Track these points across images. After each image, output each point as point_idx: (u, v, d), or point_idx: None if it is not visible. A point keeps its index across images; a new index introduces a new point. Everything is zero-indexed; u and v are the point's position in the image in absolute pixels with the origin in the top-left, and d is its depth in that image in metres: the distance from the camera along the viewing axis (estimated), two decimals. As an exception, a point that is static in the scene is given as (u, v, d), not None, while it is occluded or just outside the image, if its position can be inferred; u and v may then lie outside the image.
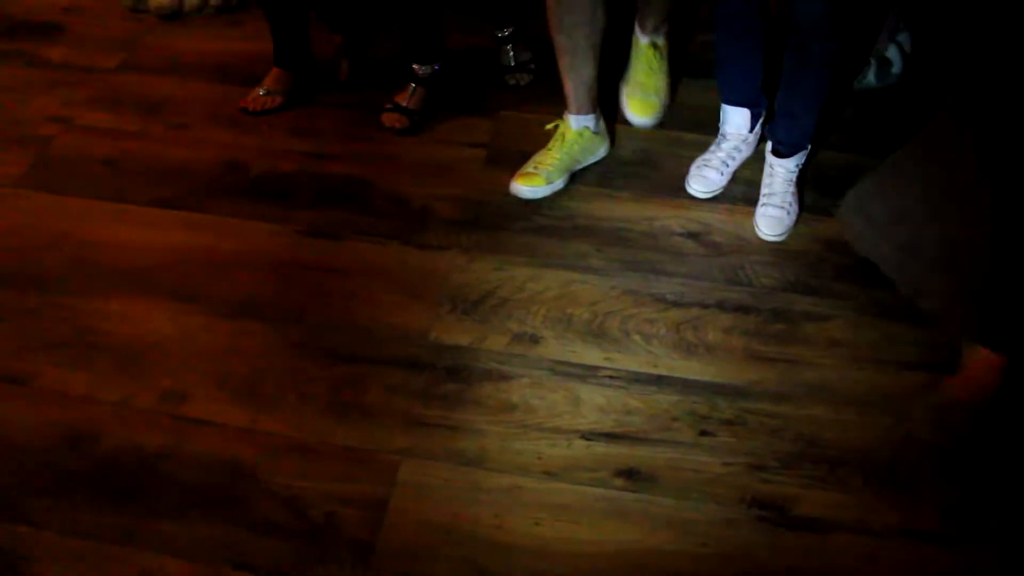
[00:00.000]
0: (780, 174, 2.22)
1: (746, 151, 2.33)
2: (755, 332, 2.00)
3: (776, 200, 2.20)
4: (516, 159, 2.30)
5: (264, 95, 2.49)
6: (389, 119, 2.43)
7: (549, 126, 2.32)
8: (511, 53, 2.62)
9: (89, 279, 2.11)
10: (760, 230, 2.19)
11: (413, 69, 2.46)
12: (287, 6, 2.42)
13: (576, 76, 2.21)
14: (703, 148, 2.34)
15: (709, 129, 2.38)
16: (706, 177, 2.27)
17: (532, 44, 2.63)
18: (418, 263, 2.12)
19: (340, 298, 2.05)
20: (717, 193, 2.28)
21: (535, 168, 2.26)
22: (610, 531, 1.69)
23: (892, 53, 2.58)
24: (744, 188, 2.30)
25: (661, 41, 2.41)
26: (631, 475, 1.76)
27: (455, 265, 2.11)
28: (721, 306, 2.04)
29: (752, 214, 2.22)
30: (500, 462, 1.77)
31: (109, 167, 2.38)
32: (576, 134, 2.28)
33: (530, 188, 2.24)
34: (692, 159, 2.33)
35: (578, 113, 2.27)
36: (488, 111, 2.55)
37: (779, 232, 2.18)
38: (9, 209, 2.28)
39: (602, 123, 2.33)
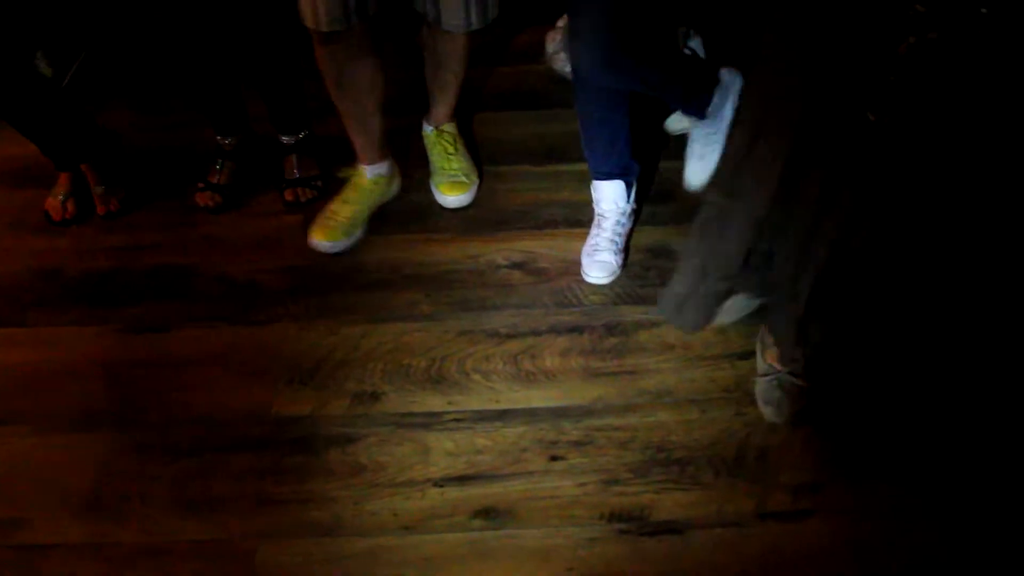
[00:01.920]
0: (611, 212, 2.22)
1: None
2: (591, 350, 2.04)
3: (607, 235, 2.21)
4: (335, 219, 2.29)
5: (64, 200, 2.39)
6: (202, 198, 2.39)
7: (342, 174, 2.32)
8: (296, 165, 2.42)
9: (-95, 418, 2.00)
10: (588, 275, 2.18)
11: (281, 140, 2.41)
12: (31, 117, 2.27)
13: (365, 134, 2.23)
14: (514, 178, 2.41)
15: (519, 157, 2.47)
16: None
17: (322, 154, 2.45)
18: (250, 341, 2.08)
19: (175, 391, 2.00)
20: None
21: (332, 220, 2.27)
22: (477, 574, 1.69)
23: (685, 59, 2.68)
24: (563, 210, 2.35)
25: (448, 127, 2.39)
26: (488, 514, 1.77)
27: (287, 336, 2.08)
28: (555, 330, 2.08)
29: (572, 236, 2.26)
30: (356, 526, 1.75)
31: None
32: (371, 183, 2.30)
33: (330, 243, 2.25)
34: (510, 189, 2.39)
35: (371, 164, 2.29)
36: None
37: (607, 275, 2.18)
38: None
39: (394, 163, 2.35)
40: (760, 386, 1.93)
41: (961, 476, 1.81)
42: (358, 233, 2.28)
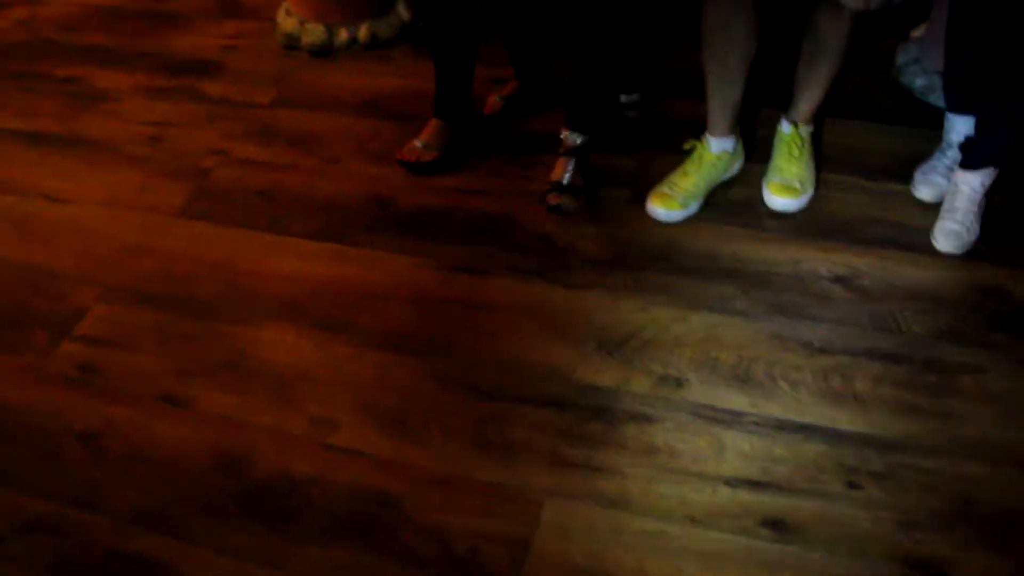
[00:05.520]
0: (964, 191, 2.17)
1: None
2: (906, 382, 1.94)
3: (958, 216, 2.16)
4: (661, 199, 2.30)
5: (421, 148, 2.48)
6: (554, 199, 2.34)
7: (687, 145, 2.32)
8: (569, 169, 2.34)
9: (243, 307, 2.20)
10: (937, 241, 2.17)
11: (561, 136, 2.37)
12: (458, 53, 2.41)
13: (721, 98, 2.21)
14: (850, 189, 2.33)
15: (853, 168, 2.39)
16: (932, 182, 2.26)
17: (593, 169, 2.41)
18: (563, 301, 2.13)
19: (484, 333, 2.08)
20: (941, 197, 2.24)
21: (671, 190, 2.27)
22: (756, 582, 1.66)
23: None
24: (892, 231, 2.24)
25: (805, 128, 2.31)
26: (777, 525, 1.73)
27: (599, 305, 2.11)
28: (870, 354, 1.99)
29: (903, 261, 2.16)
30: (643, 505, 1.76)
31: (263, 198, 2.48)
32: (715, 157, 2.28)
33: (666, 211, 2.26)
34: (840, 199, 2.31)
35: (719, 136, 2.27)
36: (633, 147, 2.54)
37: (956, 245, 2.15)
38: (170, 237, 2.40)
39: (740, 144, 2.33)
40: None
41: None
42: (693, 207, 2.28)
